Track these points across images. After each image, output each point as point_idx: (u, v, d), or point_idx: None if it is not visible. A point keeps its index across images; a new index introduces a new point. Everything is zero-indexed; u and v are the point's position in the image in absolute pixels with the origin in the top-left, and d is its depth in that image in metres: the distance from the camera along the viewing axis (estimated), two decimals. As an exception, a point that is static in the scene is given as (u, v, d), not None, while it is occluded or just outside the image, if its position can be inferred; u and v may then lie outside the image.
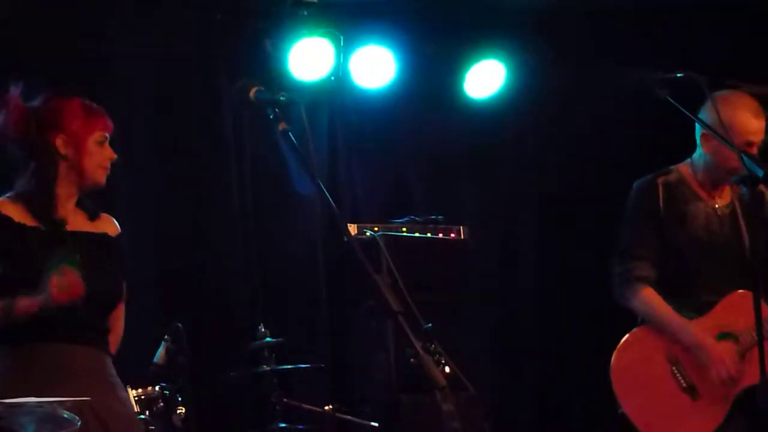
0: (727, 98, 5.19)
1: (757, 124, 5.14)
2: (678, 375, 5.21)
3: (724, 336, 5.21)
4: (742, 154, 4.75)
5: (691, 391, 5.18)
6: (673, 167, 5.41)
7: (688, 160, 5.41)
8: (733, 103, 5.17)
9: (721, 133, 5.00)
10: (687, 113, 5.01)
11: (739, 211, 5.27)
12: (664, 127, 5.33)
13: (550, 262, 7.75)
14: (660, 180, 5.35)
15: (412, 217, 6.56)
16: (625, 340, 5.35)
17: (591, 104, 7.41)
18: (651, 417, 5.22)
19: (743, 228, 5.22)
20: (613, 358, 5.32)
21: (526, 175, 7.79)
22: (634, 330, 5.36)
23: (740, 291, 5.16)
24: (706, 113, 5.16)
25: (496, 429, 6.46)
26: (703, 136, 5.26)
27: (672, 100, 4.93)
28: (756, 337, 4.89)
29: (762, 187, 5.03)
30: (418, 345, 3.73)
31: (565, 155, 7.61)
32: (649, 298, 5.29)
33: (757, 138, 5.12)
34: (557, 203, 7.71)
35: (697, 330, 5.20)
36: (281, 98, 3.89)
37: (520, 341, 7.74)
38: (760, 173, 4.65)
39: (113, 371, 4.39)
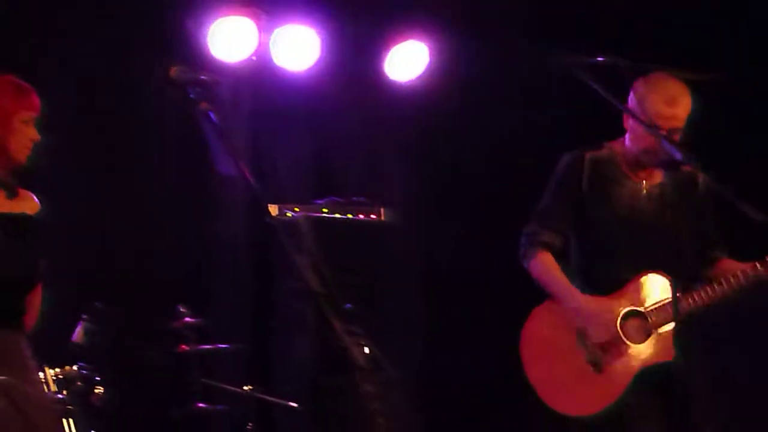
0: (645, 82, 5.23)
1: (667, 110, 5.16)
2: (582, 347, 5.27)
3: (632, 313, 5.26)
4: (662, 138, 4.81)
5: (594, 364, 5.24)
6: (606, 144, 5.46)
7: (621, 138, 5.46)
8: (647, 87, 5.21)
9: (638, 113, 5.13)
10: (606, 96, 5.06)
11: (667, 192, 5.29)
12: (593, 107, 5.34)
13: (474, 244, 7.77)
14: (588, 155, 5.41)
15: (333, 198, 6.56)
16: (535, 311, 5.46)
17: (515, 86, 7.45)
18: (553, 388, 5.32)
19: (669, 208, 5.24)
20: (522, 328, 5.45)
21: (450, 157, 7.79)
22: (545, 301, 5.44)
23: (653, 272, 5.22)
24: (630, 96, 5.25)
25: (417, 411, 6.47)
26: (625, 116, 5.32)
27: (593, 84, 4.98)
28: (665, 317, 5.09)
29: (692, 168, 5.06)
30: (338, 326, 3.74)
31: (489, 137, 7.64)
32: (544, 262, 5.39)
33: (666, 124, 5.12)
34: (482, 185, 7.73)
35: (581, 296, 5.28)
36: (202, 78, 3.88)
37: (442, 323, 7.76)
38: (678, 157, 4.71)
39: (28, 353, 4.35)
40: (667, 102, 5.16)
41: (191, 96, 3.85)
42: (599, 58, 4.94)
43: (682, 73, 5.33)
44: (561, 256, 5.44)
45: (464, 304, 7.76)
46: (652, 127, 5.02)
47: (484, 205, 7.75)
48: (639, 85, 5.20)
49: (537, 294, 5.46)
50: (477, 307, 7.71)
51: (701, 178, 5.25)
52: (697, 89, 5.31)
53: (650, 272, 5.25)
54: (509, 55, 7.26)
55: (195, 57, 6.72)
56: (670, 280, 5.12)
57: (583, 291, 5.31)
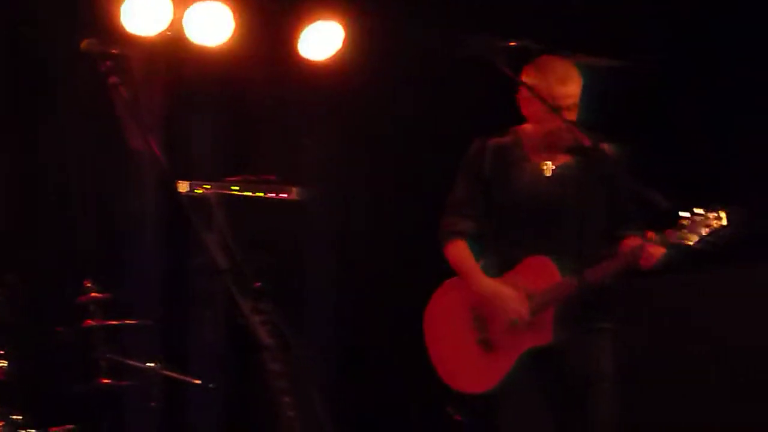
0: (535, 66, 5.27)
1: (561, 89, 5.19)
2: (476, 327, 5.37)
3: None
4: (569, 123, 4.86)
5: (486, 343, 5.34)
6: (512, 129, 5.48)
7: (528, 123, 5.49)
8: (539, 69, 5.25)
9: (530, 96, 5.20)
10: (516, 80, 5.16)
11: (571, 173, 5.32)
12: (505, 90, 5.39)
13: (389, 222, 7.79)
14: (491, 141, 5.44)
15: (246, 176, 6.55)
16: (437, 291, 5.56)
17: (428, 69, 7.44)
18: (450, 366, 5.44)
19: (572, 190, 5.28)
20: (425, 308, 5.55)
21: (364, 135, 7.78)
22: (447, 281, 5.52)
23: (540, 256, 5.27)
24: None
25: (327, 390, 6.47)
26: (522, 99, 5.34)
27: (504, 68, 5.03)
28: (548, 300, 5.16)
29: (601, 151, 5.13)
30: (245, 304, 3.73)
31: (403, 116, 7.65)
32: (457, 250, 5.45)
33: (563, 102, 5.17)
34: (396, 162, 7.74)
35: (490, 280, 5.35)
36: (113, 51, 3.84)
37: (356, 303, 7.78)
38: (587, 142, 4.76)
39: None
40: (559, 81, 5.19)
41: (102, 69, 3.79)
42: (511, 42, 5.02)
43: (593, 58, 5.40)
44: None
45: (379, 283, 7.77)
46: (556, 110, 5.09)
47: (398, 184, 7.77)
48: (530, 70, 5.24)
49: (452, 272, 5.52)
50: (392, 286, 7.71)
51: (609, 158, 5.25)
52: (606, 74, 5.38)
53: (535, 257, 5.29)
54: (423, 36, 7.23)
55: (108, 30, 6.63)
56: (556, 263, 5.19)
57: (496, 275, 5.36)
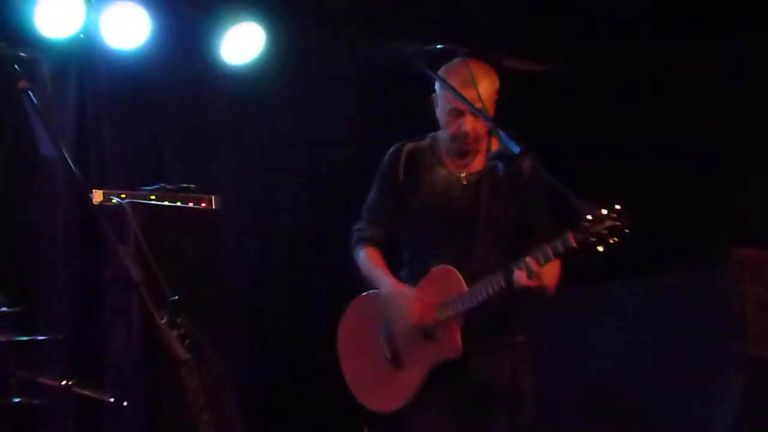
0: (444, 69, 5.19)
1: (463, 92, 5.02)
2: (386, 344, 5.30)
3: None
4: (499, 130, 4.72)
5: (395, 360, 5.27)
6: (430, 134, 5.41)
7: None
8: (446, 72, 5.17)
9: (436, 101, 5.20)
10: (442, 84, 5.06)
11: (485, 181, 5.20)
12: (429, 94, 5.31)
13: (305, 233, 7.73)
14: (407, 146, 5.38)
15: (163, 184, 6.46)
16: (350, 306, 5.51)
17: (351, 73, 7.39)
18: (360, 383, 5.39)
19: (485, 198, 5.16)
20: (339, 322, 5.52)
21: (283, 144, 7.71)
22: (360, 296, 5.48)
23: (445, 266, 5.16)
24: None
25: (246, 407, 6.36)
26: (433, 104, 5.27)
27: (429, 72, 4.95)
28: (451, 313, 5.07)
29: (521, 158, 4.90)
30: (159, 318, 3.63)
31: (325, 122, 7.59)
32: (367, 257, 5.41)
33: (460, 105, 5.10)
34: (314, 172, 7.67)
35: (397, 283, 5.28)
36: (23, 54, 3.70)
37: (272, 318, 7.69)
38: (517, 150, 4.61)
39: None
40: (460, 84, 5.06)
41: (11, 73, 3.63)
42: (437, 46, 4.92)
43: (519, 63, 5.30)
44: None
45: (297, 294, 7.70)
46: (487, 117, 4.96)
47: (319, 194, 7.69)
48: (441, 72, 5.15)
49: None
50: (310, 299, 7.67)
51: (527, 166, 5.07)
52: (535, 79, 5.39)
53: (441, 267, 5.19)
54: (347, 42, 7.21)
55: (18, 32, 6.49)
56: (462, 274, 5.08)
57: (408, 284, 5.27)
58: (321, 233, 7.52)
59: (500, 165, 5.05)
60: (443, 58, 5.11)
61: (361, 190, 5.56)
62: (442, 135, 5.29)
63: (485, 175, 5.21)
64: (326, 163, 7.60)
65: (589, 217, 4.70)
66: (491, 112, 5.11)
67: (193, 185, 6.52)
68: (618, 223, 4.66)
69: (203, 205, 6.47)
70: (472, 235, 5.13)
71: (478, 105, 4.97)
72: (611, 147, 7.10)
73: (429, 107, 5.32)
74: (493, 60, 5.22)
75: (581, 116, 7.27)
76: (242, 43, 7.34)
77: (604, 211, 4.67)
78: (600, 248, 4.70)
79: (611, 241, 4.68)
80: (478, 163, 5.27)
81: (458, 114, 5.14)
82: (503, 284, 4.84)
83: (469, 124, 5.12)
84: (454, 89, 4.98)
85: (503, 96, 5.21)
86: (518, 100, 5.40)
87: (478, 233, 5.12)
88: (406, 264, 5.37)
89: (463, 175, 5.27)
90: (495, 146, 5.10)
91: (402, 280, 5.31)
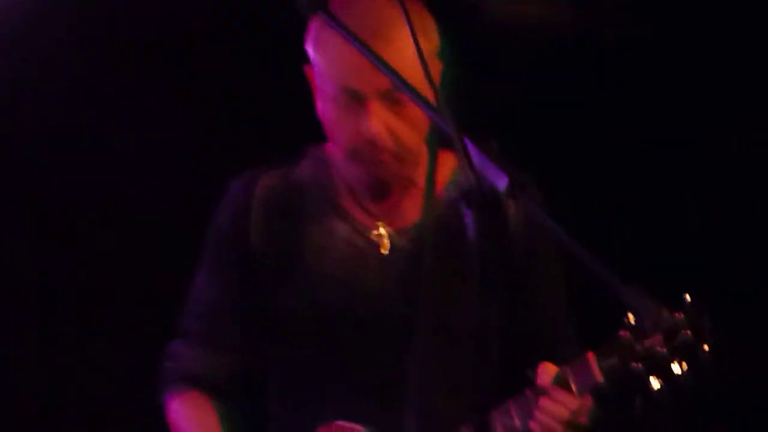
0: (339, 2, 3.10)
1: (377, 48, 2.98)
2: None
3: None
4: (461, 135, 2.14)
5: None
6: (310, 152, 3.08)
7: None
8: (341, 8, 3.30)
9: None
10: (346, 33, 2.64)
11: (435, 246, 2.77)
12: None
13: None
14: (263, 179, 3.03)
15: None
16: None
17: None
18: None
19: (432, 282, 2.73)
20: None
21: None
22: None
23: (347, 423, 2.82)
24: None
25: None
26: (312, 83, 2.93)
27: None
28: None
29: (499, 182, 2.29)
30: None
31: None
32: (184, 408, 3.10)
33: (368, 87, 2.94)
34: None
35: None
36: None
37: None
38: (502, 183, 2.06)
39: None
40: (373, 33, 2.90)
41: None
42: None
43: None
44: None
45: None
46: (424, 101, 2.37)
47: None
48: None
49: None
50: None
51: (514, 210, 2.79)
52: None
53: (345, 424, 2.82)
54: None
55: None
56: None
57: None
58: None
59: (464, 212, 2.31)
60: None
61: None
62: (334, 154, 2.88)
63: (428, 234, 2.76)
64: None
65: (633, 321, 2.54)
66: (433, 95, 2.33)
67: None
68: (688, 332, 2.50)
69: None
70: (403, 365, 2.70)
71: (411, 76, 2.34)
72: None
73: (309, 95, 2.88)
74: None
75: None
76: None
77: (665, 313, 2.43)
78: (656, 382, 2.54)
79: (677, 370, 2.52)
80: (410, 208, 2.84)
81: (355, 99, 2.72)
82: None
83: (377, 119, 2.70)
84: (357, 40, 2.35)
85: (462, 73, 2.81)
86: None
87: (417, 359, 2.66)
88: (272, 420, 2.97)
89: (380, 233, 2.82)
90: (447, 171, 2.79)
91: None
